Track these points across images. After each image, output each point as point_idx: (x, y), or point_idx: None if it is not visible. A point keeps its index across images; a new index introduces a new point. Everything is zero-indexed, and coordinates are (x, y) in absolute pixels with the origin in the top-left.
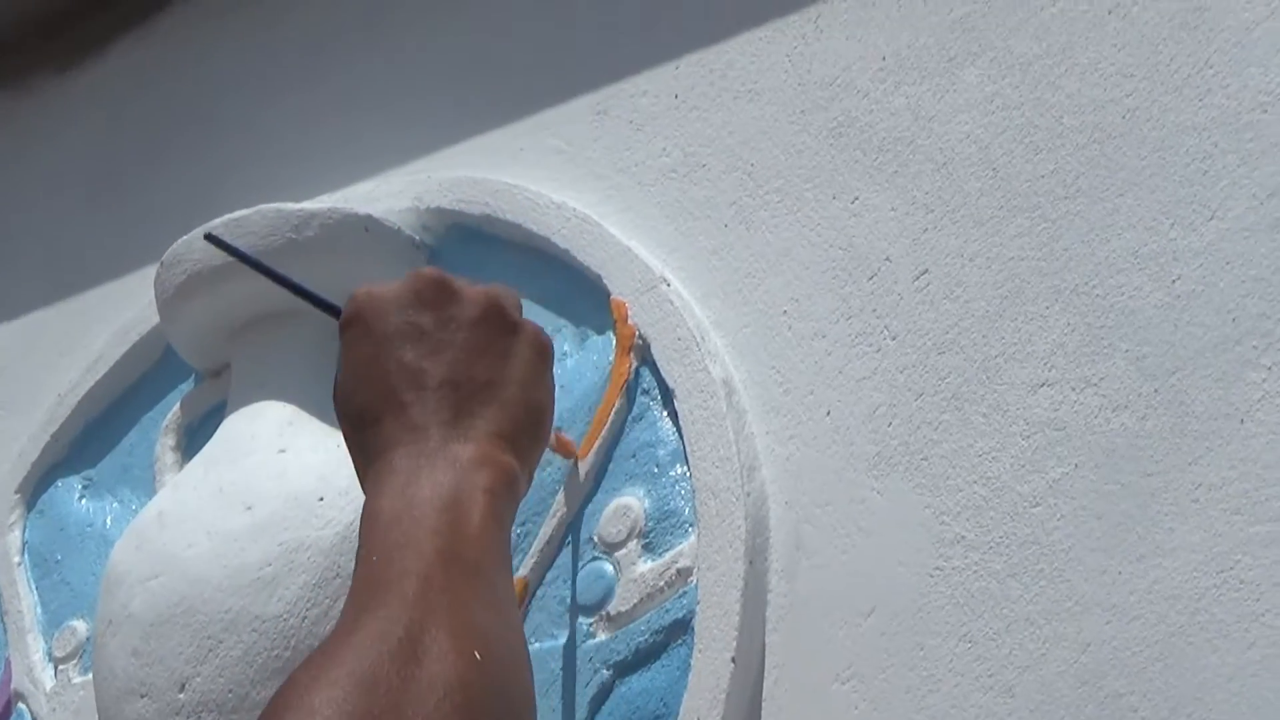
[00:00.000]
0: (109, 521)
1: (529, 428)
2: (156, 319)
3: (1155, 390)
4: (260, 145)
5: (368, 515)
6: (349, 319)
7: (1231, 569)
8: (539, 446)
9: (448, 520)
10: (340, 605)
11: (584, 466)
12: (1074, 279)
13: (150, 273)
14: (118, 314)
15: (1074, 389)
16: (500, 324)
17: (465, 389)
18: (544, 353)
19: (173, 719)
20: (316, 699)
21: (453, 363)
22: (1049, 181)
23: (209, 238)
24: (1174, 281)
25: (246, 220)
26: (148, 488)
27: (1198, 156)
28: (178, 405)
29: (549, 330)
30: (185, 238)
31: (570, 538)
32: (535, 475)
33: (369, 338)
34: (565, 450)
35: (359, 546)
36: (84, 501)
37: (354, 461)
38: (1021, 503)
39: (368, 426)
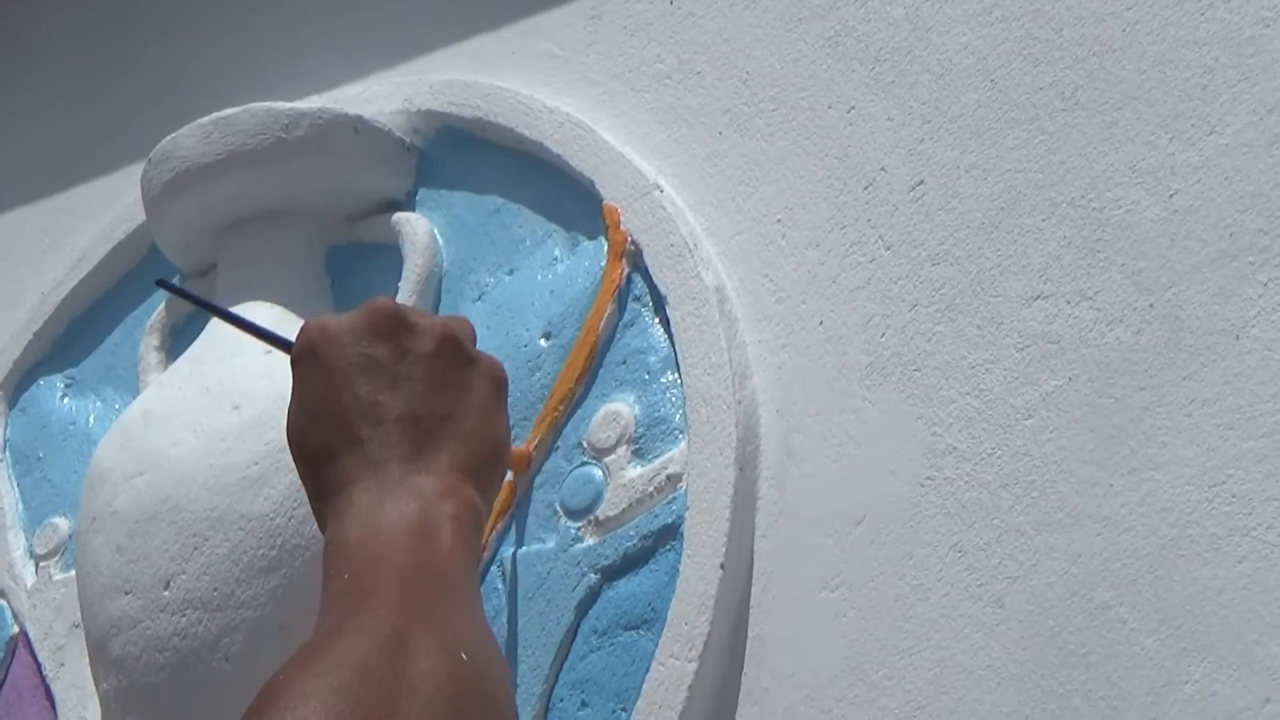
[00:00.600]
0: (91, 420)
1: (489, 461)
2: (142, 217)
3: (1150, 305)
4: (250, 45)
5: (332, 544)
6: (301, 352)
7: (1224, 483)
8: (498, 480)
9: (418, 541)
10: None
11: (574, 372)
12: (1070, 192)
13: (137, 170)
14: (103, 212)
15: (1069, 302)
16: (456, 356)
17: (424, 423)
18: (500, 385)
19: (157, 615)
20: (309, 685)
21: (410, 396)
22: (1047, 94)
23: (160, 283)
24: (1171, 196)
25: (235, 119)
26: (131, 387)
27: (1198, 71)
28: (162, 305)
29: (539, 236)
30: (173, 135)
31: (559, 443)
32: (525, 380)
33: (322, 372)
34: (517, 464)
35: (324, 572)
36: (66, 400)
37: (310, 498)
38: (1014, 415)
39: (323, 463)
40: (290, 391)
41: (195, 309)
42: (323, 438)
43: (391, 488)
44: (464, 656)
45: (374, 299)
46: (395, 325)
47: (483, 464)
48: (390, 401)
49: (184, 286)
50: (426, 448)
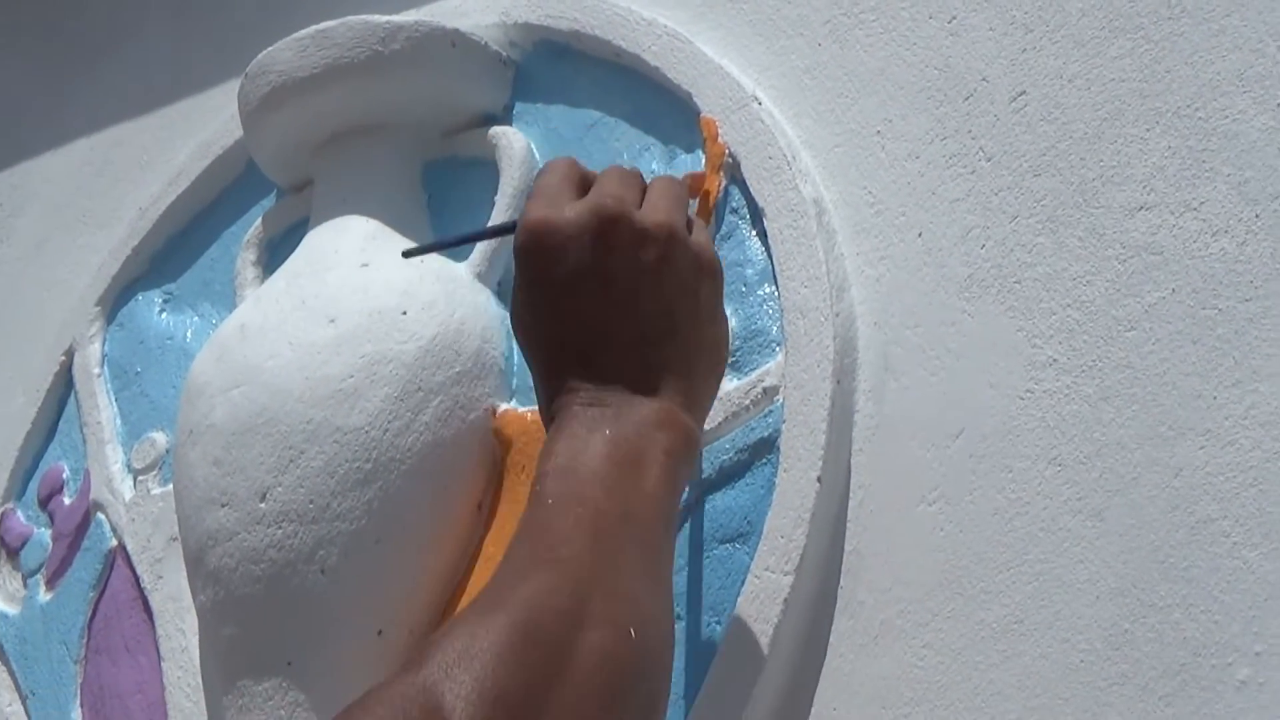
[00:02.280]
0: (189, 335)
1: (711, 371)
2: (239, 133)
3: (1256, 215)
4: None
5: (546, 452)
6: (526, 248)
7: None
8: (716, 384)
9: (625, 478)
10: (422, 418)
11: None
12: (1176, 101)
13: (234, 86)
14: (200, 128)
15: (1173, 213)
16: (683, 259)
17: (651, 342)
18: (719, 278)
19: (253, 528)
20: (478, 643)
21: (641, 317)
22: (1152, 1)
23: (406, 254)
24: (1279, 105)
25: (332, 32)
26: (228, 302)
27: None
28: (259, 220)
29: (637, 149)
30: (269, 49)
31: None
32: None
33: (549, 277)
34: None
35: (535, 480)
36: (164, 315)
37: (536, 389)
38: (1116, 326)
39: (551, 371)
40: (514, 275)
41: (289, 227)
42: (551, 347)
43: (615, 407)
44: (633, 634)
45: (602, 188)
46: (624, 234)
47: (705, 378)
48: (620, 320)
49: (420, 246)
50: (652, 371)
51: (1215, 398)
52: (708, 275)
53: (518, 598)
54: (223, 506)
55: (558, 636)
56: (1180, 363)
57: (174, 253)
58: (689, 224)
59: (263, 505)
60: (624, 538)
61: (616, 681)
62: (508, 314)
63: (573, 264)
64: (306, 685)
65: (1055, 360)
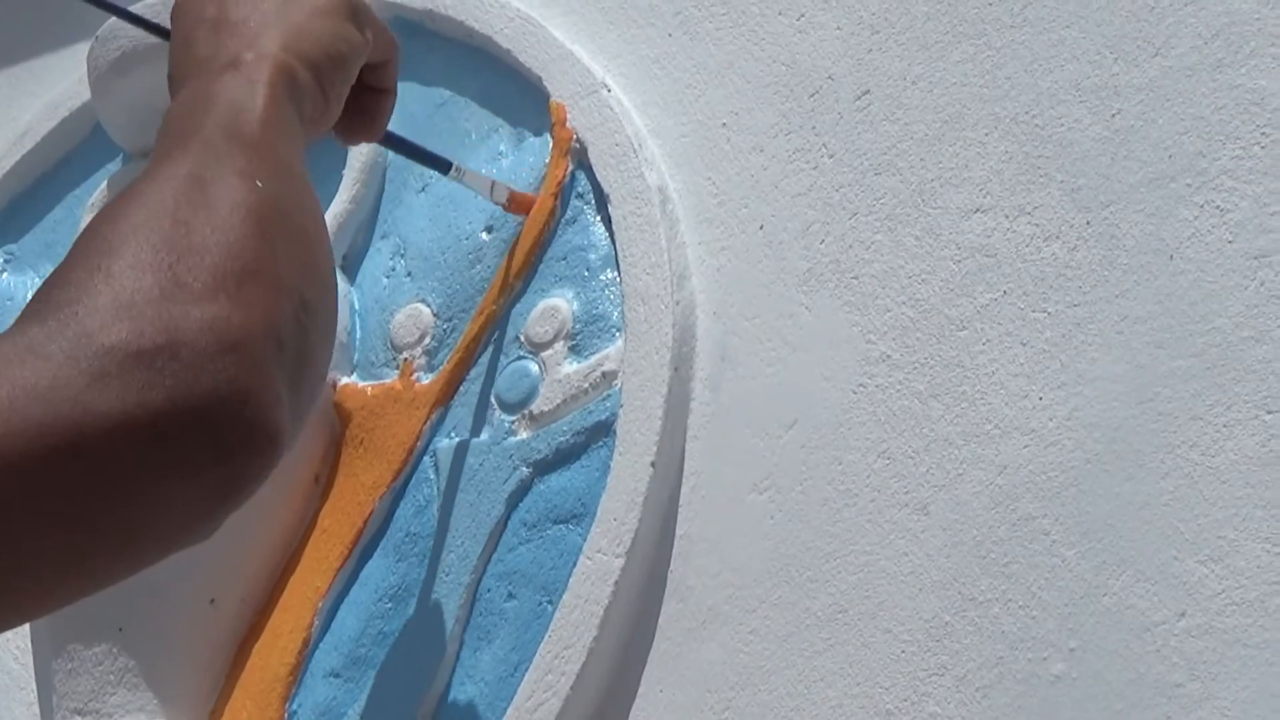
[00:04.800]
0: (29, 297)
1: (326, 50)
2: (88, 95)
3: (1088, 222)
4: None
5: (162, 124)
6: (173, 13)
7: (1150, 400)
8: (340, 77)
9: (227, 104)
10: None
11: (514, 265)
12: (1014, 108)
13: (83, 48)
14: (48, 88)
15: (1007, 216)
16: None
17: (255, 19)
18: (351, 5)
19: None
20: (118, 229)
21: (249, 6)
22: (996, 9)
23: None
24: (1113, 116)
25: None
26: None
27: None
28: (104, 184)
29: (486, 130)
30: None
31: (496, 336)
32: (465, 272)
33: (181, 17)
34: (523, 205)
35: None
36: (5, 276)
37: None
38: (948, 325)
39: (178, 85)
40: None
41: None
42: (177, 63)
43: (220, 66)
44: (259, 184)
45: None
46: None
47: (316, 48)
48: (228, 12)
49: None
50: (256, 34)
51: (1041, 399)
52: None
53: (139, 190)
54: None
55: (184, 201)
56: (1009, 363)
57: (16, 213)
58: None
59: None
60: (231, 137)
61: (254, 221)
62: (351, 288)
63: None
64: (137, 651)
65: (888, 356)
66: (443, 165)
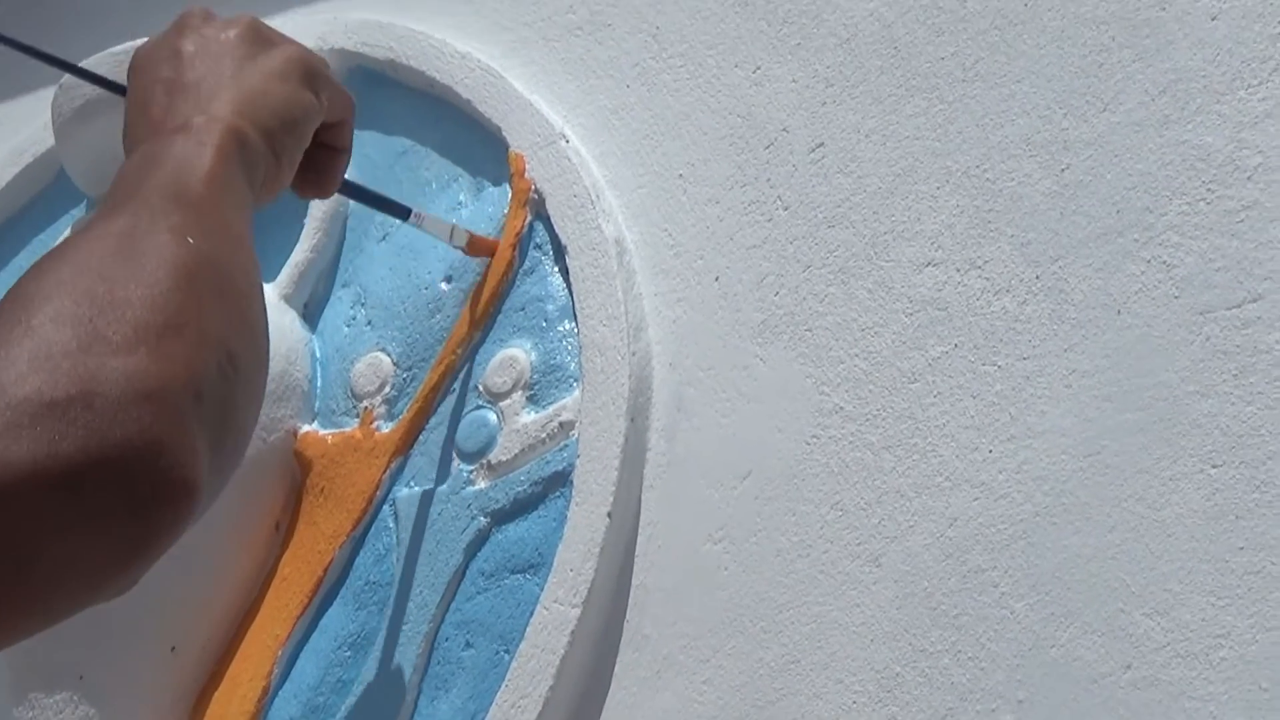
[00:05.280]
0: None
1: (277, 112)
2: (52, 141)
3: (1037, 276)
4: None
5: (111, 184)
6: (129, 71)
7: (1098, 454)
8: (293, 142)
9: (172, 164)
10: None
11: (473, 316)
12: (966, 162)
13: (47, 95)
14: (11, 134)
15: (959, 270)
16: (257, 39)
17: (209, 82)
18: (300, 63)
19: None
20: (41, 285)
21: (204, 69)
22: (948, 64)
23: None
24: (1063, 170)
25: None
26: None
27: (1094, 49)
28: (69, 230)
29: (446, 179)
30: (84, 62)
31: (455, 385)
32: (424, 321)
33: (138, 76)
34: (483, 249)
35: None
36: None
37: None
38: (900, 378)
39: (132, 145)
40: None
41: None
42: (131, 126)
43: (170, 131)
44: (190, 240)
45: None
46: (198, 19)
47: (269, 112)
48: (185, 74)
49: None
50: (207, 99)
51: (990, 451)
52: (285, 56)
53: (69, 247)
54: None
55: (112, 257)
56: (959, 416)
57: None
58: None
59: None
60: (171, 196)
61: (182, 277)
62: (312, 336)
63: (157, 54)
64: (98, 699)
65: (841, 408)
66: (401, 212)
